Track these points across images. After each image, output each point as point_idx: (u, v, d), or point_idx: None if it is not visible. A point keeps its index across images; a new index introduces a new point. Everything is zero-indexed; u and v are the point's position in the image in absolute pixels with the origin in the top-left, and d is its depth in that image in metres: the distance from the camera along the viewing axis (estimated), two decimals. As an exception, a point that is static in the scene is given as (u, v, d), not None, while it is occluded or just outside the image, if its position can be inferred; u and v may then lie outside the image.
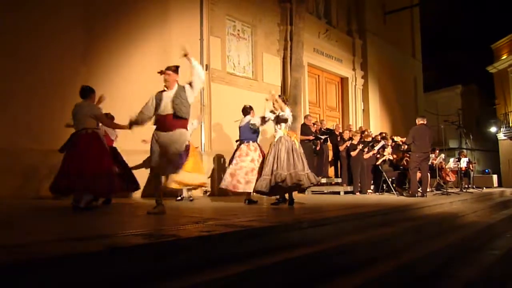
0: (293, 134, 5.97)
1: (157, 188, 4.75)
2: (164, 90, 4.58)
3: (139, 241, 2.52)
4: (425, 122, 8.59)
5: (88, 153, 5.03)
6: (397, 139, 10.66)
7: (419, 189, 8.91)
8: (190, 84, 4.56)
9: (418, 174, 8.83)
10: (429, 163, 10.84)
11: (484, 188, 14.42)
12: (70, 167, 4.95)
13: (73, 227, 3.57)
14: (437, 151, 11.76)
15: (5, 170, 6.45)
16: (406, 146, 9.91)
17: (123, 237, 2.73)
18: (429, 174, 10.67)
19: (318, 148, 10.06)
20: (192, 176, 6.69)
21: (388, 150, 9.88)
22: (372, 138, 10.70)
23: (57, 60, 7.08)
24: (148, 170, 7.35)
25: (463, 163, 12.79)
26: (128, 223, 3.83)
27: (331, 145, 10.70)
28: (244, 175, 6.20)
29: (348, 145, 9.74)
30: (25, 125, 6.74)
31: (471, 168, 13.80)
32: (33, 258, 1.98)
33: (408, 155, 9.50)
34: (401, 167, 9.96)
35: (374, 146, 9.97)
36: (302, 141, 9.48)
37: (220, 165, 8.79)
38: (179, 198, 7.02)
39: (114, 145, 6.50)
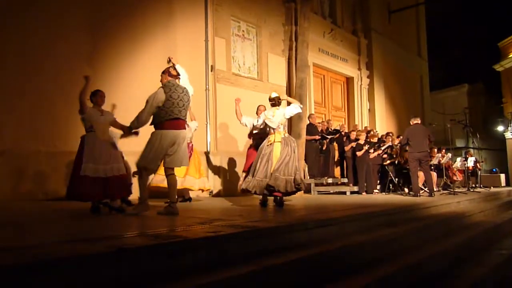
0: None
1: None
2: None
3: (146, 242, 2.54)
4: (419, 122, 8.61)
5: None
6: None
7: (425, 189, 8.87)
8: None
9: (421, 174, 8.77)
10: (436, 162, 10.81)
11: (492, 187, 14.32)
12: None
13: (80, 228, 3.60)
14: (443, 150, 11.69)
15: (12, 172, 6.51)
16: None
17: (130, 238, 2.75)
18: (435, 174, 10.65)
19: (324, 148, 10.05)
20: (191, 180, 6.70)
21: (396, 149, 9.85)
22: (379, 138, 10.67)
23: (63, 62, 7.13)
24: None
25: (470, 162, 12.71)
26: (134, 224, 3.85)
27: (337, 145, 10.68)
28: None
29: (354, 145, 9.71)
30: (32, 127, 6.79)
31: (478, 167, 13.71)
32: (42, 259, 2.00)
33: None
34: (408, 167, 9.91)
35: (381, 146, 9.94)
36: (308, 141, 9.50)
37: (225, 166, 8.81)
38: (186, 199, 7.00)
39: None
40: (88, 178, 4.75)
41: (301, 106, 6.00)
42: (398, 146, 10.22)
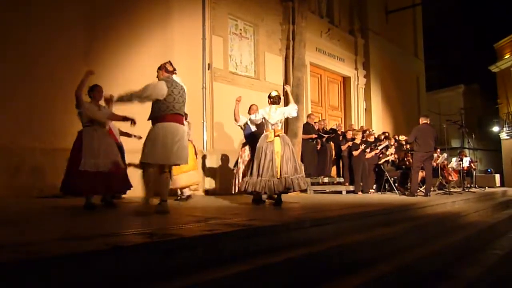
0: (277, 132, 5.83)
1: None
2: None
3: (142, 240, 2.53)
4: (428, 122, 8.57)
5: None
6: (402, 138, 10.65)
7: (421, 189, 8.89)
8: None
9: (421, 174, 8.81)
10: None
11: (487, 187, 14.38)
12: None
13: (76, 226, 3.58)
14: (439, 150, 11.72)
15: (7, 169, 6.48)
16: (408, 146, 9.89)
17: (126, 236, 2.74)
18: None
19: (319, 147, 10.05)
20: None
21: (391, 150, 9.86)
22: (375, 138, 10.68)
23: (59, 59, 7.10)
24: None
25: (466, 162, 12.75)
26: (130, 222, 3.84)
27: (333, 144, 10.69)
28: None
29: (351, 145, 9.72)
30: (27, 124, 6.76)
31: (474, 167, 13.77)
32: (37, 257, 1.99)
33: (410, 154, 9.49)
34: (403, 167, 9.94)
35: (378, 146, 9.95)
36: (304, 140, 9.50)
37: (222, 164, 8.80)
38: (184, 197, 6.96)
39: None
40: (88, 173, 4.76)
41: (297, 108, 5.99)
42: (395, 145, 10.23)
